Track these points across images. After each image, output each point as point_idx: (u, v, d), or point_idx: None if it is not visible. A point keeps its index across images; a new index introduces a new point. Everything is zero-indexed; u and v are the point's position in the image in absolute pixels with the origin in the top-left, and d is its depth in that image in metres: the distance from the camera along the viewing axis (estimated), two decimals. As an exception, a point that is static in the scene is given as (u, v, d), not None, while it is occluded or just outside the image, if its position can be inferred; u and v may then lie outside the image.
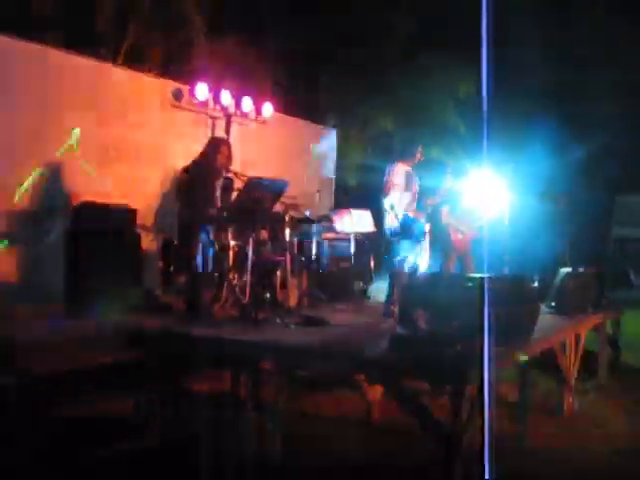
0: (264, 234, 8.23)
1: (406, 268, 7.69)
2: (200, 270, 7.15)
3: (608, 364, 9.20)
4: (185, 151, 7.58)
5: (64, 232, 7.77)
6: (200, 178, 7.26)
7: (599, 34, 16.44)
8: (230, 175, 7.82)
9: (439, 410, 5.65)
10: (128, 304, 7.41)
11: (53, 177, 8.66)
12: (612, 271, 9.54)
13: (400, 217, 7.74)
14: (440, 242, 8.88)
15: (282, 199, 7.68)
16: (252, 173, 7.41)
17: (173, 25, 12.76)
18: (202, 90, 10.08)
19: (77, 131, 8.55)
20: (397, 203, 7.79)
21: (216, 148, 7.48)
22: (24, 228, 8.31)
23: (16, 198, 7.98)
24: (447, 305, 5.43)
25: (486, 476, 4.65)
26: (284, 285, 8.11)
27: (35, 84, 8.43)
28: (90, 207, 7.81)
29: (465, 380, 4.71)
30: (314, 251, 9.24)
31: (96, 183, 9.08)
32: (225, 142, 7.75)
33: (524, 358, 6.08)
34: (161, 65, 12.75)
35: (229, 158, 7.69)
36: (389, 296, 7.74)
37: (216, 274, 7.81)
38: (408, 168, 7.99)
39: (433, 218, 8.20)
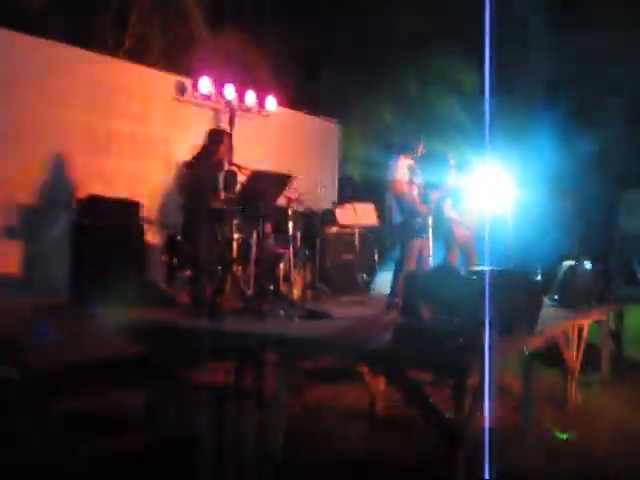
0: (268, 227, 8.24)
1: (410, 261, 7.70)
2: (204, 263, 7.16)
3: (611, 358, 9.22)
4: (188, 144, 7.60)
5: (70, 225, 7.78)
6: (202, 171, 7.26)
7: (607, 25, 16.35)
8: (234, 168, 7.84)
9: (442, 401, 5.68)
10: (132, 297, 7.43)
11: (57, 170, 8.70)
12: (619, 267, 9.53)
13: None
14: (442, 235, 8.89)
15: (285, 192, 7.70)
16: (255, 166, 7.40)
17: (175, 19, 12.74)
18: (205, 84, 10.11)
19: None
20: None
21: (216, 140, 7.48)
22: (29, 221, 8.35)
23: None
24: (450, 297, 5.45)
25: (486, 476, 4.71)
26: (287, 278, 8.14)
27: (37, 77, 8.46)
28: (95, 200, 7.82)
29: (467, 372, 4.73)
30: (318, 244, 9.27)
31: (101, 176, 9.12)
32: (225, 133, 7.75)
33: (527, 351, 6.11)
34: (163, 59, 12.74)
35: (230, 149, 7.70)
36: (393, 288, 7.75)
37: (220, 267, 7.83)
38: (411, 162, 7.99)
39: (435, 212, 8.20)
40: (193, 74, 10.40)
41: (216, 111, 10.49)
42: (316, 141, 12.94)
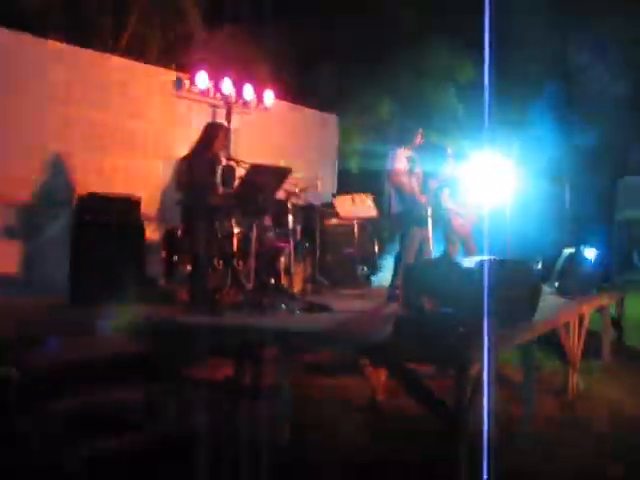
0: (267, 221, 8.25)
1: (411, 251, 7.71)
2: (203, 259, 7.17)
3: (611, 345, 9.23)
4: (187, 140, 7.59)
5: (69, 223, 7.79)
6: (199, 166, 7.24)
7: (605, 13, 16.31)
8: (232, 162, 7.84)
9: (443, 393, 5.70)
10: (132, 294, 7.45)
11: (56, 168, 8.71)
12: (616, 253, 9.55)
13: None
14: (441, 226, 8.90)
15: (285, 186, 7.70)
16: (254, 160, 7.41)
17: (174, 18, 12.74)
18: (203, 78, 10.11)
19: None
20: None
21: (212, 134, 7.44)
22: (28, 220, 8.37)
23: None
24: (450, 288, 5.46)
25: (484, 476, 4.72)
26: (288, 272, 8.14)
27: (36, 75, 8.46)
28: (95, 198, 7.83)
29: (468, 363, 4.74)
30: (317, 237, 9.28)
31: (99, 174, 9.13)
32: (221, 127, 7.71)
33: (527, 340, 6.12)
34: (162, 58, 12.74)
35: (227, 143, 7.69)
36: (393, 280, 7.77)
37: (220, 261, 7.85)
38: (409, 153, 8.00)
39: (434, 202, 8.21)
40: (190, 69, 10.39)
41: (214, 106, 10.48)
42: (315, 134, 12.95)
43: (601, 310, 8.94)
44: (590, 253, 8.64)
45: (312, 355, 8.58)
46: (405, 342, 5.03)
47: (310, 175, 9.50)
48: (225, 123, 9.86)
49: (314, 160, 12.28)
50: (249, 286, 7.23)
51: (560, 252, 8.86)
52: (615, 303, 9.48)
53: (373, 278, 9.78)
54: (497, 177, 8.95)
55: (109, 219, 7.75)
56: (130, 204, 8.10)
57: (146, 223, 8.43)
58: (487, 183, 8.92)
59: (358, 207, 9.30)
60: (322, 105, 13.61)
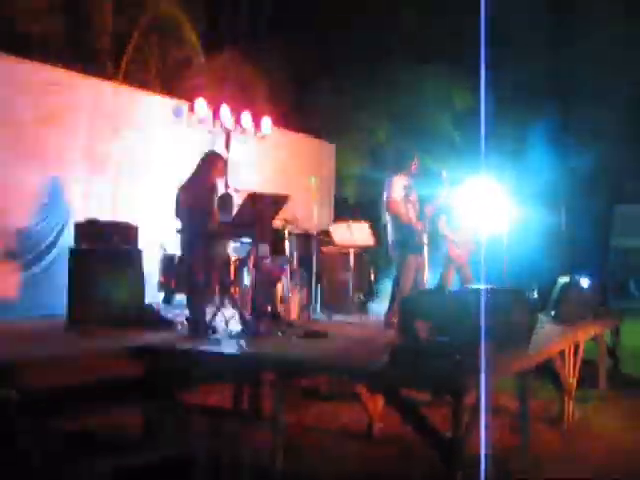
0: (264, 248, 8.29)
1: (408, 279, 7.74)
2: (201, 285, 7.20)
3: (607, 373, 9.24)
4: (185, 167, 7.65)
5: (68, 249, 7.83)
6: (197, 194, 7.30)
7: (604, 37, 16.44)
8: (230, 190, 7.90)
9: (440, 421, 5.71)
10: (130, 319, 7.48)
11: (55, 194, 8.77)
12: (612, 281, 9.59)
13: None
14: (438, 253, 8.96)
15: (282, 213, 7.75)
16: (251, 187, 7.47)
17: (172, 43, 12.86)
18: (201, 106, 10.19)
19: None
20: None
21: (211, 163, 7.50)
22: (27, 245, 8.41)
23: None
24: (446, 316, 5.50)
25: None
26: (284, 299, 8.18)
27: (36, 101, 8.53)
28: (93, 224, 7.87)
29: (464, 391, 4.76)
30: (314, 264, 9.32)
31: (98, 200, 9.18)
32: (218, 156, 7.79)
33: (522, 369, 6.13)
34: (161, 82, 12.85)
35: (224, 172, 7.75)
36: (390, 307, 7.80)
37: (217, 288, 7.88)
38: (405, 180, 8.06)
39: (430, 229, 8.27)
40: (189, 97, 10.48)
41: (212, 133, 10.55)
42: (312, 161, 13.02)
43: (597, 338, 8.96)
44: (586, 281, 8.68)
45: (309, 381, 8.61)
46: (401, 369, 5.06)
47: (307, 202, 9.59)
48: (223, 152, 9.92)
49: (311, 187, 12.34)
50: (246, 313, 7.26)
51: (556, 279, 8.89)
52: (611, 331, 9.50)
53: (369, 305, 9.80)
54: (493, 203, 9.02)
55: (107, 245, 7.78)
56: (128, 230, 8.14)
57: (144, 250, 8.47)
58: (483, 209, 8.99)
59: (355, 235, 9.34)
60: (319, 132, 13.71)
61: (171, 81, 13.02)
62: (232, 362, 6.05)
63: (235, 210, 7.93)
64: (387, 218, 8.10)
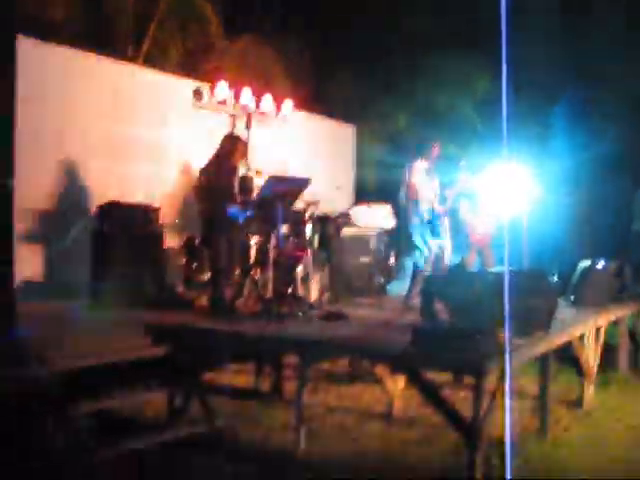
0: (285, 230, 8.32)
1: (428, 262, 7.76)
2: (222, 267, 7.25)
3: (628, 358, 9.21)
4: (206, 150, 7.68)
5: (91, 230, 7.89)
6: (218, 176, 7.33)
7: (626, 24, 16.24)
8: (250, 173, 7.93)
9: (460, 403, 5.74)
10: (152, 300, 7.55)
11: (77, 177, 8.83)
12: (633, 265, 9.50)
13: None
14: (459, 236, 8.96)
15: (302, 196, 7.77)
16: (272, 170, 7.49)
17: (193, 26, 12.86)
18: (222, 89, 10.19)
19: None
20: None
21: (231, 145, 7.53)
22: (50, 228, 8.48)
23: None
24: (467, 298, 5.52)
25: (507, 476, 4.76)
26: (305, 281, 8.21)
27: (57, 84, 8.56)
28: (115, 206, 7.93)
29: (485, 371, 4.78)
30: (334, 246, 9.34)
31: (120, 183, 9.24)
32: (239, 138, 7.80)
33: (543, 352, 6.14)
34: (181, 65, 12.86)
35: (244, 154, 7.77)
36: (410, 290, 7.81)
37: (238, 271, 7.93)
38: (426, 165, 8.06)
39: (452, 213, 8.27)
40: (211, 79, 10.49)
41: (233, 116, 10.56)
42: (332, 144, 13.02)
43: (617, 322, 8.93)
44: (607, 265, 8.64)
45: (330, 363, 8.66)
46: (423, 350, 5.08)
47: (328, 185, 9.60)
48: (243, 134, 9.94)
49: (332, 170, 12.37)
50: (267, 295, 7.30)
51: (577, 263, 8.86)
52: (632, 315, 9.45)
53: (389, 288, 9.81)
54: (515, 188, 8.99)
55: (129, 227, 7.84)
56: (150, 213, 8.19)
57: (165, 231, 8.54)
58: (505, 194, 8.96)
59: (375, 216, 9.34)
60: (340, 114, 13.69)
61: (192, 64, 13.03)
62: (254, 342, 6.08)
63: (256, 192, 7.97)
64: (408, 202, 8.10)
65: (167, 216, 9.27)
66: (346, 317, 6.97)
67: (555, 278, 8.82)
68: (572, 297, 8.30)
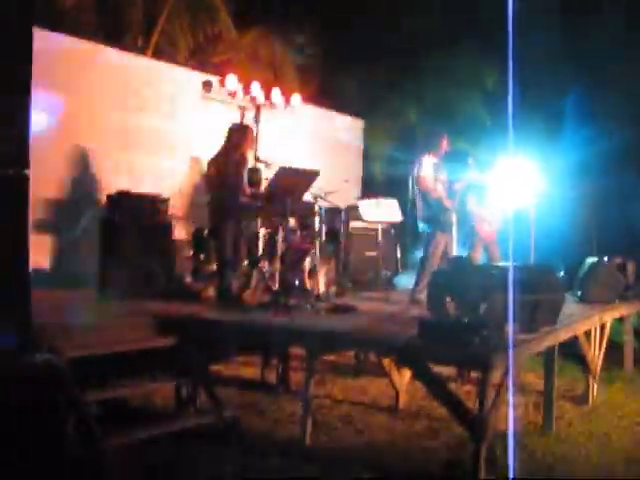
0: (294, 223, 8.36)
1: (435, 256, 7.78)
2: (230, 258, 7.29)
3: (633, 355, 9.24)
4: (215, 141, 7.71)
5: (100, 220, 7.93)
6: (227, 167, 7.37)
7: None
8: (259, 164, 7.96)
9: (465, 397, 5.78)
10: (160, 291, 7.59)
11: (87, 166, 8.87)
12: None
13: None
14: (466, 231, 8.98)
15: (311, 188, 7.80)
16: (281, 162, 7.51)
17: (203, 17, 12.87)
18: (232, 81, 10.23)
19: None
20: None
21: (240, 136, 7.56)
22: (59, 217, 8.53)
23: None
24: (474, 292, 5.55)
25: (511, 471, 4.80)
26: (312, 273, 8.25)
27: (69, 75, 8.59)
28: (124, 196, 7.97)
29: (492, 365, 4.81)
30: (342, 239, 9.39)
31: (129, 173, 9.28)
32: (248, 129, 7.84)
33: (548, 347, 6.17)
34: (191, 57, 12.88)
35: (253, 145, 7.81)
36: (417, 283, 7.85)
37: (246, 262, 7.97)
38: (436, 159, 8.08)
39: (459, 208, 8.29)
40: (220, 72, 10.52)
41: (242, 108, 10.60)
42: (341, 138, 13.03)
43: (623, 319, 8.96)
44: (614, 261, 8.66)
45: (336, 356, 8.71)
46: (430, 343, 5.12)
47: (336, 178, 9.62)
48: (252, 126, 9.96)
49: (340, 163, 12.38)
50: (275, 286, 7.34)
51: (584, 259, 8.88)
52: (637, 313, 9.47)
53: (395, 282, 9.85)
54: (523, 182, 9.00)
55: (138, 217, 7.88)
56: (159, 203, 8.23)
57: (174, 222, 8.58)
58: (512, 189, 8.98)
59: (383, 211, 9.34)
60: (349, 109, 13.70)
61: (201, 56, 13.05)
62: (261, 333, 6.12)
63: (265, 184, 8.00)
64: (417, 195, 8.13)
65: (176, 207, 9.32)
66: (353, 310, 7.01)
67: (562, 273, 8.85)
68: (579, 293, 8.33)
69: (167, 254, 8.06)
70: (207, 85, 10.29)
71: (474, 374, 7.20)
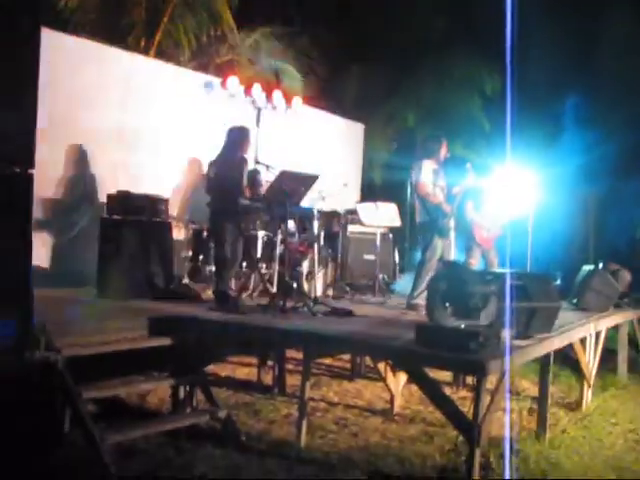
0: (292, 225, 8.40)
1: (434, 261, 7.81)
2: (229, 260, 7.32)
3: (628, 363, 9.29)
4: (216, 143, 7.74)
5: (100, 219, 7.96)
6: (228, 169, 7.42)
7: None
8: (259, 166, 8.00)
9: (459, 402, 5.82)
10: (158, 290, 7.63)
11: (87, 166, 8.90)
12: (637, 272, 9.56)
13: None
14: (464, 237, 9.02)
15: (310, 192, 7.84)
16: (282, 165, 7.54)
17: (206, 19, 12.89)
18: (233, 83, 10.27)
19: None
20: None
21: (240, 138, 7.62)
22: (59, 216, 8.56)
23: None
24: (470, 298, 5.59)
25: (506, 476, 4.84)
26: (310, 276, 8.30)
27: (68, 74, 8.60)
28: (124, 196, 7.99)
29: (487, 370, 4.85)
30: (340, 243, 9.43)
31: (128, 173, 9.30)
32: (247, 131, 7.88)
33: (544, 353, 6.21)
34: (194, 58, 12.92)
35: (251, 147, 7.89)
36: (414, 288, 7.88)
37: (244, 264, 8.01)
38: (435, 165, 8.12)
39: (457, 213, 8.32)
40: (222, 73, 10.55)
41: (243, 110, 10.62)
42: (341, 141, 13.06)
43: (618, 327, 9.01)
44: (610, 269, 8.71)
45: (332, 359, 8.76)
46: (426, 348, 5.15)
47: (336, 182, 9.67)
48: (253, 129, 9.98)
49: (340, 167, 12.42)
50: (273, 289, 7.37)
51: (581, 266, 8.94)
52: (633, 321, 9.53)
53: (393, 287, 9.89)
54: (521, 189, 9.05)
55: (138, 217, 7.90)
56: (158, 203, 8.25)
57: (173, 223, 8.60)
58: (510, 196, 9.03)
59: (382, 215, 9.40)
60: (350, 113, 13.74)
61: (203, 57, 13.08)
62: (258, 335, 6.16)
63: (265, 187, 8.04)
64: (415, 201, 8.17)
65: (175, 208, 9.35)
66: (350, 313, 7.04)
67: (558, 280, 8.90)
68: (575, 300, 8.38)
69: (166, 254, 8.07)
70: (209, 86, 10.32)
71: (469, 379, 7.26)
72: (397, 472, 5.42)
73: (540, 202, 9.42)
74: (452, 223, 8.10)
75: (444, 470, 5.35)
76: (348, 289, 9.23)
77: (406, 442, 6.18)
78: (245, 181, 7.57)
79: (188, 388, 6.10)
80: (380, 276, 9.53)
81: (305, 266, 8.30)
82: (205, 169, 8.45)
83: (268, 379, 7.64)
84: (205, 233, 8.56)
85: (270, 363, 7.68)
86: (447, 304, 5.70)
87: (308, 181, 7.39)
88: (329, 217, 9.41)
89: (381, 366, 6.90)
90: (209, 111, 10.26)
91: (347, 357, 8.59)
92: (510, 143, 7.49)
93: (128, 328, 6.01)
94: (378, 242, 9.52)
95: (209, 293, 7.60)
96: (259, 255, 8.08)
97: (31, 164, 4.37)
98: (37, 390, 4.66)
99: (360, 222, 9.50)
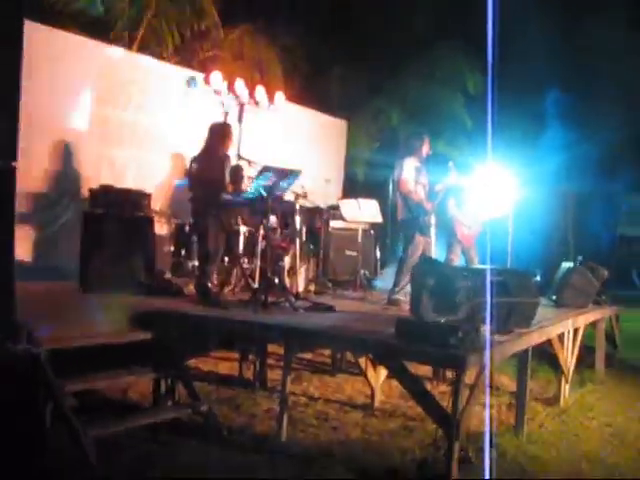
0: (274, 221, 8.43)
1: (415, 258, 7.86)
2: (211, 255, 7.34)
3: (605, 359, 9.40)
4: (198, 138, 7.75)
5: (82, 214, 7.95)
6: (210, 164, 7.43)
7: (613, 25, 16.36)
8: (243, 162, 8.01)
9: (440, 396, 5.88)
10: (140, 285, 7.63)
11: (69, 160, 8.88)
12: (615, 269, 9.69)
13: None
14: (445, 234, 9.08)
15: (293, 188, 7.87)
16: (264, 160, 7.57)
17: (190, 14, 12.86)
18: (216, 78, 10.27)
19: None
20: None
21: (223, 133, 7.64)
22: (41, 210, 8.54)
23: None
24: (451, 292, 5.65)
25: (486, 470, 4.89)
26: (292, 271, 8.33)
27: (51, 68, 8.56)
28: (106, 190, 7.98)
29: (466, 365, 4.91)
30: (322, 239, 9.46)
31: (111, 168, 9.30)
32: (228, 126, 7.90)
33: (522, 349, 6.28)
34: (177, 53, 12.88)
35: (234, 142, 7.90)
36: (396, 284, 7.94)
37: (227, 259, 8.03)
38: (417, 162, 8.17)
39: (439, 210, 8.38)
40: (205, 68, 10.54)
41: (226, 105, 10.62)
42: (324, 137, 13.10)
43: (596, 324, 9.11)
44: (589, 267, 8.80)
45: (313, 354, 8.80)
46: (406, 342, 5.20)
47: (318, 178, 9.70)
48: (236, 125, 9.99)
49: (322, 163, 12.45)
50: (254, 284, 7.40)
51: (560, 263, 9.03)
52: (610, 318, 9.64)
53: (374, 282, 9.94)
54: (502, 187, 9.12)
55: (120, 212, 7.89)
56: (141, 198, 8.24)
57: (156, 217, 8.60)
58: (491, 193, 9.10)
59: (363, 212, 9.44)
60: (333, 109, 13.76)
61: (187, 52, 13.05)
62: (240, 329, 6.19)
63: (246, 182, 8.06)
64: (397, 197, 8.22)
65: (158, 202, 9.34)
66: (332, 308, 7.09)
67: (538, 277, 8.99)
68: (554, 297, 8.47)
69: (148, 249, 8.08)
70: (191, 82, 10.32)
71: (449, 374, 7.32)
72: (377, 466, 5.47)
73: (520, 200, 9.49)
74: (433, 220, 8.16)
75: (423, 464, 5.39)
76: (330, 284, 9.27)
77: (386, 436, 6.23)
78: (227, 177, 7.58)
79: (170, 382, 6.12)
80: (362, 272, 9.57)
81: (287, 261, 8.33)
82: (188, 165, 8.45)
83: (249, 374, 7.66)
84: (187, 228, 8.57)
85: (251, 358, 7.70)
86: (428, 299, 5.75)
87: (290, 177, 7.40)
88: (311, 213, 9.44)
89: (362, 361, 6.96)
90: (192, 106, 10.27)
91: (328, 352, 8.64)
92: (492, 141, 7.54)
93: (109, 322, 6.03)
94: (360, 238, 9.57)
95: (191, 288, 7.60)
96: (241, 250, 8.09)
97: (14, 157, 4.37)
98: (19, 382, 4.66)
99: (342, 218, 9.54)
